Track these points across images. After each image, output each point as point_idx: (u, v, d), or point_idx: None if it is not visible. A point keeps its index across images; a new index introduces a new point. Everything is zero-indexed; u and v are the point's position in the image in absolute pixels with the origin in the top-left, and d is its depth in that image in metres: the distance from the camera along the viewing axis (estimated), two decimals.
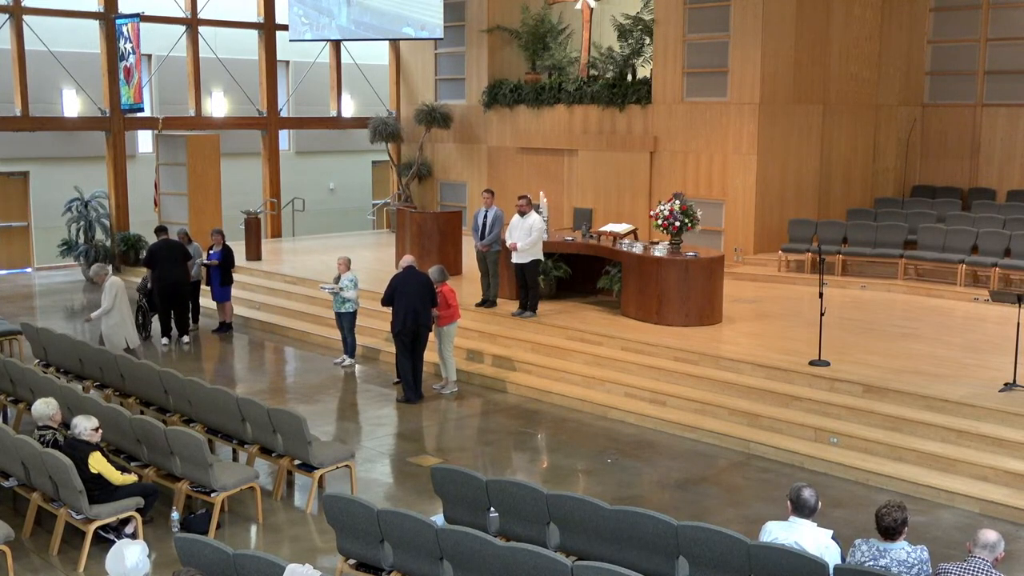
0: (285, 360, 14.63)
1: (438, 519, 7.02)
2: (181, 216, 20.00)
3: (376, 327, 14.07)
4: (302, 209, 23.56)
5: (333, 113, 23.51)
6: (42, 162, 21.86)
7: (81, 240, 19.94)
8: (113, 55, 19.53)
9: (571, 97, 19.17)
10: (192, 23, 20.84)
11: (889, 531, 5.78)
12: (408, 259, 12.10)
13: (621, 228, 14.47)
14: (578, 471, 9.86)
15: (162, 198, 20.77)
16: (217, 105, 24.02)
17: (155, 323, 15.00)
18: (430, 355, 12.89)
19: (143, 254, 18.06)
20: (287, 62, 25.03)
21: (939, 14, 18.17)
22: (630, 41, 18.73)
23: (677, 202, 13.21)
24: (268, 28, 21.72)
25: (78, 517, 7.72)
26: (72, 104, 21.98)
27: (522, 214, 13.26)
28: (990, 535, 5.59)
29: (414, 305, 11.68)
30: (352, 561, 6.98)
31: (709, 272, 13.15)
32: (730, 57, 16.84)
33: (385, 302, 11.92)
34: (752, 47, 16.54)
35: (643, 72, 18.72)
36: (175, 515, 8.13)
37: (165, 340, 14.67)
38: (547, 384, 12.27)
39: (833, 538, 6.08)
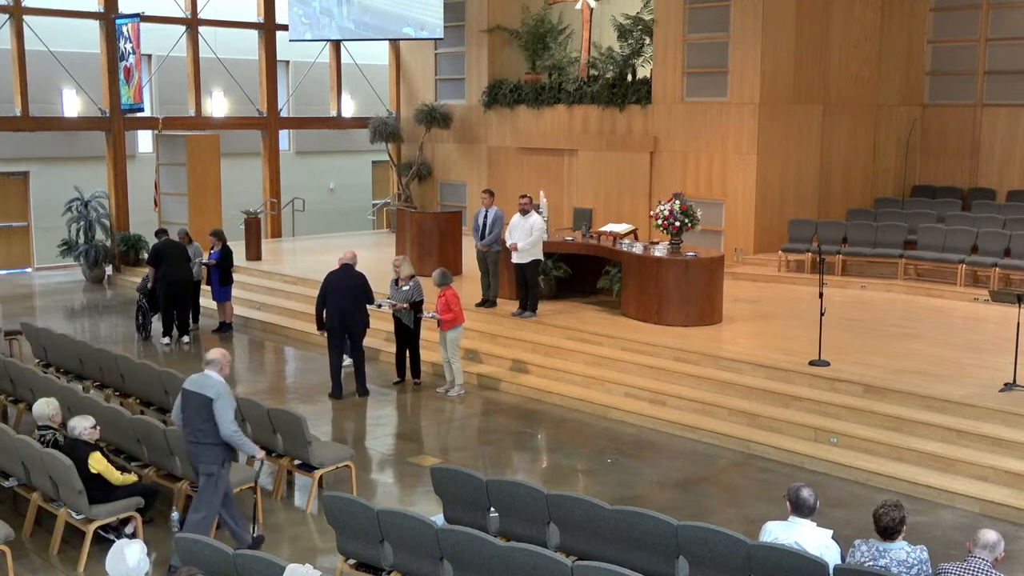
0: (285, 360, 14.63)
1: (438, 519, 7.02)
2: (181, 216, 19.99)
3: (376, 327, 14.03)
4: (302, 209, 23.56)
5: (333, 113, 23.50)
6: (42, 162, 21.86)
7: (81, 240, 19.94)
8: (113, 55, 19.53)
9: (571, 97, 19.17)
10: (192, 23, 20.84)
11: (888, 531, 5.78)
12: (347, 256, 12.10)
13: (621, 228, 14.47)
14: (578, 471, 9.86)
15: (162, 198, 20.77)
16: (217, 105, 24.01)
17: (155, 323, 15.00)
18: (431, 355, 12.92)
19: (144, 254, 18.12)
20: (287, 62, 25.02)
21: (939, 14, 18.17)
22: (630, 41, 18.73)
23: (677, 202, 13.20)
24: (268, 28, 21.71)
25: (78, 517, 7.72)
26: (72, 104, 21.97)
27: (524, 212, 13.27)
28: (990, 535, 5.59)
29: (343, 305, 11.79)
30: (352, 561, 6.99)
31: (709, 272, 13.15)
32: (730, 57, 16.84)
33: (319, 300, 12.00)
34: (752, 47, 16.54)
35: (643, 72, 18.71)
36: (175, 515, 8.12)
37: (167, 340, 14.68)
38: (547, 384, 12.26)
39: (833, 538, 6.08)
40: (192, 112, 21.10)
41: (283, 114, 22.61)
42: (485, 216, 13.76)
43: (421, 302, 12.31)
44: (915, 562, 5.74)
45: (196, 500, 7.60)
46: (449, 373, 12.30)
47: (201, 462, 7.52)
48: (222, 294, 15.34)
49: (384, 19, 20.87)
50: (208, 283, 15.37)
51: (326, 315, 11.92)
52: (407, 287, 12.21)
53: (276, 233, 22.15)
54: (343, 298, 11.82)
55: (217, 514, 7.58)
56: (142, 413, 10.19)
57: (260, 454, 7.80)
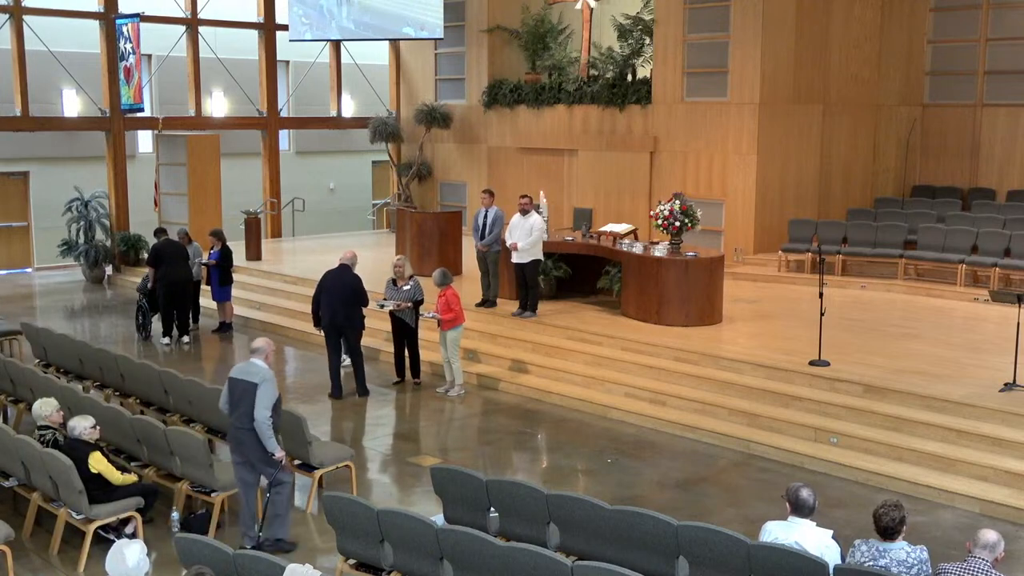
0: (285, 360, 14.62)
1: (438, 519, 7.02)
2: (181, 216, 20.00)
3: (376, 327, 14.05)
4: (302, 209, 23.56)
5: (333, 113, 23.50)
6: (42, 162, 21.86)
7: (81, 240, 19.93)
8: (113, 55, 19.53)
9: (571, 97, 19.17)
10: (192, 23, 20.84)
11: (888, 531, 5.78)
12: (347, 256, 12.14)
13: (621, 228, 14.47)
14: (578, 471, 9.86)
15: (162, 198, 20.77)
16: (217, 105, 24.01)
17: (155, 323, 15.00)
18: (431, 355, 12.92)
19: (144, 254, 18.12)
20: (287, 62, 25.02)
21: (939, 14, 18.16)
22: (630, 41, 18.73)
23: (677, 202, 13.20)
24: (268, 28, 21.71)
25: (78, 517, 7.72)
26: (72, 104, 21.97)
27: (524, 212, 13.27)
28: (990, 535, 5.59)
29: (334, 305, 11.85)
30: (352, 561, 6.98)
31: (709, 272, 13.15)
32: (730, 57, 16.83)
33: (314, 298, 12.07)
34: (752, 47, 16.53)
35: (643, 72, 18.71)
36: (175, 515, 8.13)
37: (167, 340, 14.68)
38: (547, 384, 12.26)
39: (833, 538, 6.08)
40: (192, 112, 21.10)
41: (283, 114, 22.60)
42: (485, 216, 13.76)
43: (421, 301, 12.32)
44: (915, 562, 5.74)
45: (273, 481, 7.84)
46: (449, 373, 12.30)
47: (249, 448, 7.73)
48: (222, 294, 15.34)
49: (384, 19, 20.87)
50: (208, 283, 15.37)
51: (321, 314, 11.99)
52: (408, 287, 12.21)
53: (276, 233, 22.15)
54: (335, 298, 11.86)
55: (291, 486, 7.97)
56: (142, 413, 10.19)
57: (280, 454, 7.84)
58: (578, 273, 14.61)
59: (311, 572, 5.37)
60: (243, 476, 7.88)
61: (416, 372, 12.63)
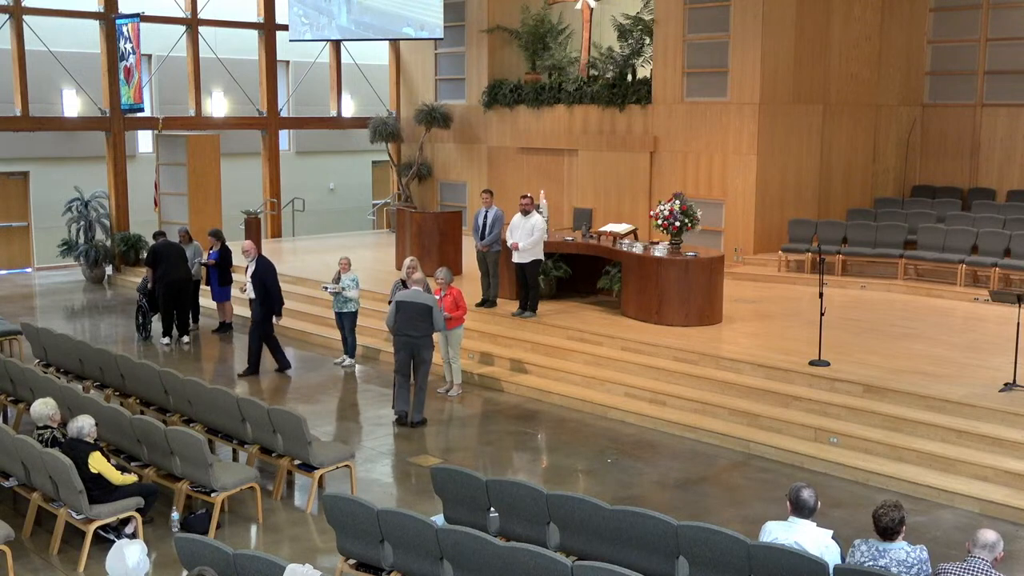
0: None
1: (438, 519, 7.02)
2: (181, 216, 20.00)
3: (376, 327, 14.07)
4: (302, 209, 23.56)
5: (333, 113, 23.51)
6: (42, 162, 21.86)
7: (81, 240, 19.94)
8: (113, 55, 19.53)
9: (571, 97, 19.17)
10: (192, 23, 20.84)
11: (887, 531, 5.78)
12: (251, 246, 13.41)
13: (621, 228, 14.47)
14: (578, 471, 9.86)
15: (162, 198, 20.77)
16: (217, 105, 24.01)
17: (155, 323, 15.00)
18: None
19: (144, 254, 18.12)
20: (287, 62, 25.01)
21: (939, 14, 18.17)
22: (630, 41, 18.72)
23: (677, 202, 13.21)
24: (268, 28, 21.71)
25: (78, 517, 7.72)
26: (72, 104, 21.97)
27: (525, 213, 13.28)
28: (990, 535, 5.59)
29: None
30: (352, 561, 6.98)
31: (709, 272, 13.15)
32: (730, 57, 16.83)
33: (278, 291, 13.35)
34: (752, 47, 16.53)
35: (643, 72, 18.71)
36: (175, 515, 8.14)
37: (166, 340, 14.68)
38: (547, 384, 12.26)
39: (833, 538, 6.08)
40: (192, 112, 21.10)
41: (283, 114, 22.61)
42: (485, 216, 13.76)
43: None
44: (915, 562, 5.74)
45: (419, 381, 11.07)
46: (448, 373, 12.29)
47: (423, 349, 10.90)
48: (222, 294, 15.35)
49: (384, 19, 20.87)
50: (208, 283, 15.38)
51: (277, 304, 13.33)
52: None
53: (276, 233, 22.15)
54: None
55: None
56: (142, 413, 10.19)
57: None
58: (578, 273, 14.61)
59: (311, 572, 5.37)
60: (402, 368, 10.94)
61: None
